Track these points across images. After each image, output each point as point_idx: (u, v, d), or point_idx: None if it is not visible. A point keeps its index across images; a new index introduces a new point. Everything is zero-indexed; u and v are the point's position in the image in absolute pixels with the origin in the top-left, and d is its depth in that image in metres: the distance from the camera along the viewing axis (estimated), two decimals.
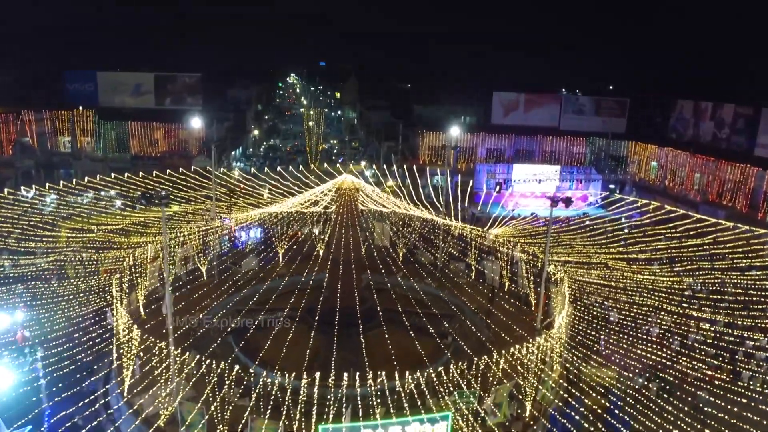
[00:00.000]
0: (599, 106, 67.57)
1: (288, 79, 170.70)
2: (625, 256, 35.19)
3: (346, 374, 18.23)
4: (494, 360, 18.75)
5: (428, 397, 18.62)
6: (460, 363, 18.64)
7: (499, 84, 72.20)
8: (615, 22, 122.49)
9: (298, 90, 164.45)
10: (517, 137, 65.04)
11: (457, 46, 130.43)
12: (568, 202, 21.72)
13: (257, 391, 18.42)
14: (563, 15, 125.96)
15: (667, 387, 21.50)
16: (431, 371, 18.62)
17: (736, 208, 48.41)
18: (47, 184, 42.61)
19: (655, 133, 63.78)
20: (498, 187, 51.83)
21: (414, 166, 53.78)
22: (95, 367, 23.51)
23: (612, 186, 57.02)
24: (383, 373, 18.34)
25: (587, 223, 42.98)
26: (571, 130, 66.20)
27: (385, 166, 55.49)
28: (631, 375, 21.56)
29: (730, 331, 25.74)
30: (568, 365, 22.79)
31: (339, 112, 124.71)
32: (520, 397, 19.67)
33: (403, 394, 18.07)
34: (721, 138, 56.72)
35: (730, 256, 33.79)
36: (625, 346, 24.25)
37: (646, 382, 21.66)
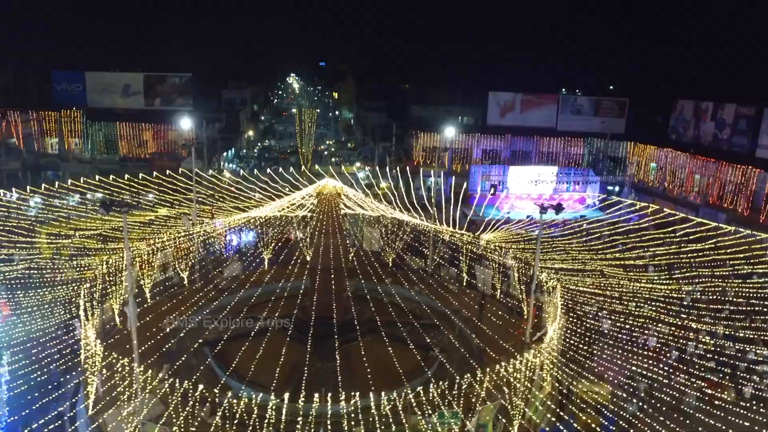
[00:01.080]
0: (598, 106, 66.24)
1: (287, 79, 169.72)
2: (622, 262, 33.89)
3: (317, 395, 16.96)
4: (478, 379, 17.45)
5: (405, 419, 17.37)
6: (441, 382, 17.35)
7: (496, 84, 70.95)
8: (615, 22, 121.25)
9: (296, 90, 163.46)
10: (514, 138, 63.82)
11: (455, 45, 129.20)
12: (558, 208, 20.44)
13: (223, 409, 17.20)
14: (562, 14, 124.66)
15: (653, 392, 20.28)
16: (409, 391, 17.35)
17: (738, 211, 47.17)
18: (28, 187, 41.36)
19: (655, 133, 62.53)
20: (492, 189, 50.59)
21: (408, 168, 52.60)
22: (61, 380, 22.37)
23: (611, 188, 55.79)
24: (357, 394, 17.07)
25: (584, 226, 41.74)
26: (568, 130, 64.95)
27: (379, 168, 54.30)
28: (625, 395, 20.21)
29: (731, 344, 24.41)
30: (559, 382, 21.48)
31: (337, 113, 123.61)
32: (504, 421, 18.35)
33: (377, 416, 16.80)
34: (722, 139, 55.45)
35: (731, 262, 32.47)
36: (619, 360, 22.97)
37: (635, 401, 20.24)
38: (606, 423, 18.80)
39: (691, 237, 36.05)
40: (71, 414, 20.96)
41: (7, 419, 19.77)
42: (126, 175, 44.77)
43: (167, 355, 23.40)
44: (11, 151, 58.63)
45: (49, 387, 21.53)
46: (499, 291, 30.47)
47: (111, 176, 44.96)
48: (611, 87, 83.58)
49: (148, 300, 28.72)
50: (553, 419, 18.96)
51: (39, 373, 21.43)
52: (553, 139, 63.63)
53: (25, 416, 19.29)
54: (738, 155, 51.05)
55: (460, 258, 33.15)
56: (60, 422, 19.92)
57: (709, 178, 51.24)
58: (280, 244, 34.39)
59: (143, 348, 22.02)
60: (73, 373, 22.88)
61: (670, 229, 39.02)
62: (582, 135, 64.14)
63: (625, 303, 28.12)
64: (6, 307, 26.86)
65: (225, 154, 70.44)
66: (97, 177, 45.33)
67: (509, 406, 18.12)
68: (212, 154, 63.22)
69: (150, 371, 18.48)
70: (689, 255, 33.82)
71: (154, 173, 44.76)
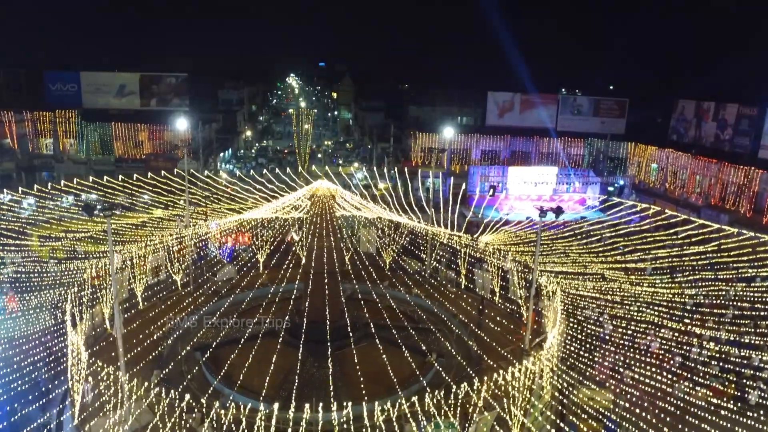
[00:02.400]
0: (598, 106, 65.69)
1: (286, 79, 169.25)
2: (624, 265, 33.26)
3: (308, 404, 16.34)
4: (475, 388, 16.81)
5: (399, 429, 16.75)
6: (437, 391, 16.72)
7: (495, 84, 70.39)
8: (615, 21, 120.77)
9: (295, 90, 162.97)
10: (513, 138, 63.29)
11: (453, 45, 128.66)
12: (558, 212, 19.88)
13: (211, 417, 16.60)
14: (561, 13, 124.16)
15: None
16: (403, 400, 16.73)
17: (740, 212, 46.57)
18: (20, 189, 40.75)
19: (656, 134, 61.98)
20: (492, 190, 49.99)
21: (406, 168, 51.94)
22: (49, 386, 21.81)
23: (611, 189, 55.19)
24: (349, 404, 16.46)
25: (585, 228, 41.09)
26: (568, 131, 64.39)
27: (377, 168, 53.72)
28: (627, 404, 19.57)
29: (735, 350, 23.75)
30: (559, 390, 20.84)
31: (335, 113, 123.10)
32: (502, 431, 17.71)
33: (369, 426, 16.19)
34: (724, 139, 54.85)
35: (734, 264, 31.82)
36: (621, 366, 22.36)
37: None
38: (611, 425, 18.19)
39: (693, 239, 35.43)
40: (58, 421, 20.43)
41: None
42: (120, 177, 44.13)
43: (158, 361, 22.87)
44: (5, 151, 58.09)
45: (36, 393, 21.01)
46: (498, 295, 29.85)
47: (105, 177, 44.35)
48: (611, 87, 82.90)
49: (141, 304, 28.17)
50: (553, 430, 18.33)
51: (26, 378, 20.94)
52: (553, 140, 63.07)
53: (10, 424, 18.82)
54: (740, 156, 50.48)
55: (459, 261, 32.55)
56: (47, 430, 19.44)
57: (710, 179, 50.69)
58: (274, 246, 33.82)
59: (133, 352, 21.53)
60: (62, 378, 22.32)
61: (671, 231, 38.39)
62: (582, 135, 63.59)
63: (627, 307, 27.48)
64: (13, 300, 26.53)
65: (222, 154, 69.90)
66: (91, 178, 44.74)
67: (508, 416, 17.49)
68: (208, 155, 62.70)
69: (136, 379, 17.86)
70: (691, 257, 33.19)
71: (149, 174, 44.11)
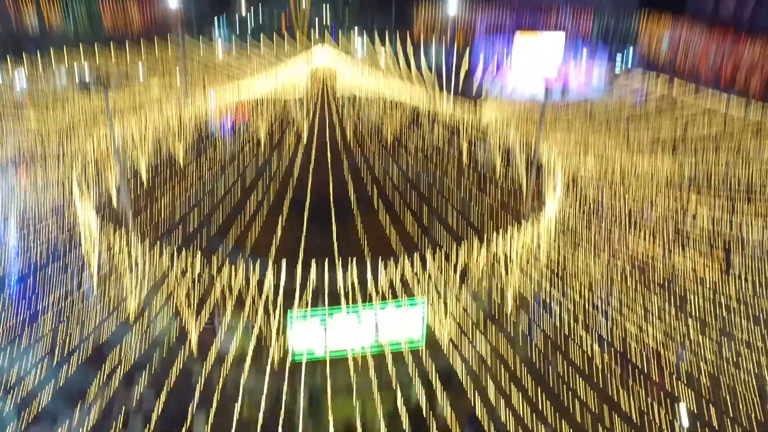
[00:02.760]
0: None
1: None
2: (627, 141, 33.19)
3: (314, 265, 17.22)
4: (474, 252, 17.58)
5: (402, 287, 17.78)
6: (437, 255, 17.49)
7: None
8: None
9: None
10: (519, 10, 60.09)
11: None
12: (564, 88, 19.52)
13: (222, 282, 17.59)
14: None
15: None
16: (406, 260, 17.56)
17: (750, 89, 45.45)
18: (9, 61, 39.54)
19: (670, 6, 58.64)
20: (496, 62, 48.36)
21: (409, 40, 49.98)
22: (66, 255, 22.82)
23: (619, 64, 53.44)
24: (353, 260, 17.31)
25: (590, 104, 40.47)
26: (578, 1, 60.88)
27: (378, 40, 51.76)
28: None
29: (727, 219, 24.44)
30: (554, 255, 21.79)
31: None
32: (499, 293, 18.77)
33: (374, 284, 17.19)
34: (744, 13, 51.90)
35: (739, 140, 31.72)
36: (616, 233, 23.18)
37: None
38: (601, 293, 19.29)
39: (698, 115, 35.03)
40: (80, 289, 21.58)
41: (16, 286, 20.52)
42: (113, 51, 42.69)
43: (166, 232, 23.62)
44: None
45: (54, 262, 22.02)
46: (499, 171, 30.05)
47: (97, 52, 42.90)
48: None
49: (145, 181, 28.48)
50: (544, 296, 19.45)
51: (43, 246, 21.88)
52: (561, 12, 59.83)
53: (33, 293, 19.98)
54: (760, 30, 48.05)
55: (460, 137, 32.48)
56: (69, 297, 20.62)
57: (724, 55, 48.81)
58: (275, 121, 33.52)
59: (142, 223, 22.25)
60: (78, 248, 23.20)
61: (678, 107, 37.86)
62: (592, 7, 60.26)
63: (626, 183, 27.87)
64: (25, 174, 27.00)
65: (216, 24, 67.60)
66: (82, 53, 43.29)
67: (505, 278, 18.47)
68: (202, 26, 60.54)
69: (148, 244, 18.62)
70: (696, 134, 33.05)
71: (142, 48, 42.65)
